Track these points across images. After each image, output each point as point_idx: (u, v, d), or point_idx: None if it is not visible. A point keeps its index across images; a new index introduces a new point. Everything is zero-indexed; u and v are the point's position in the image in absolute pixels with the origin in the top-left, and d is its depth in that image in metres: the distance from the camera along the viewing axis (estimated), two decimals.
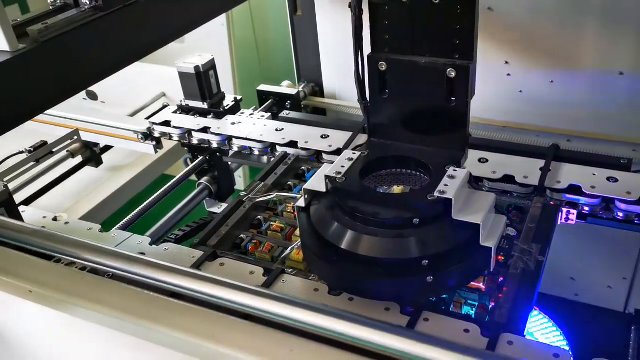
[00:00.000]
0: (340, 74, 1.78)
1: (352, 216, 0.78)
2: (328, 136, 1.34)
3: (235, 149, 1.44)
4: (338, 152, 1.28)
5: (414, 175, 0.87)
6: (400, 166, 0.87)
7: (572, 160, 1.07)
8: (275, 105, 1.76)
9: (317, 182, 0.87)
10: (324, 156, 1.30)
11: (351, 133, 1.31)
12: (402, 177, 0.87)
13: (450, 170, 0.81)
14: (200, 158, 1.59)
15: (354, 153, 0.89)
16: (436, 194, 0.77)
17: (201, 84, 1.50)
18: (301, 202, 0.89)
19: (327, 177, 0.84)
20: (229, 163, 1.67)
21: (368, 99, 0.90)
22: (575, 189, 1.01)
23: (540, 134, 1.46)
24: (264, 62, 2.58)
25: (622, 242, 1.45)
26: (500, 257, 0.82)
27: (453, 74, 0.82)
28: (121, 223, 1.28)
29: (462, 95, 0.83)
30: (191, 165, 1.57)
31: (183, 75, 1.50)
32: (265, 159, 1.52)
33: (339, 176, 0.83)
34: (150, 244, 1.04)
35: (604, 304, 1.59)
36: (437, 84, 0.84)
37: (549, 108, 1.44)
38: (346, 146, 1.27)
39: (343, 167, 0.85)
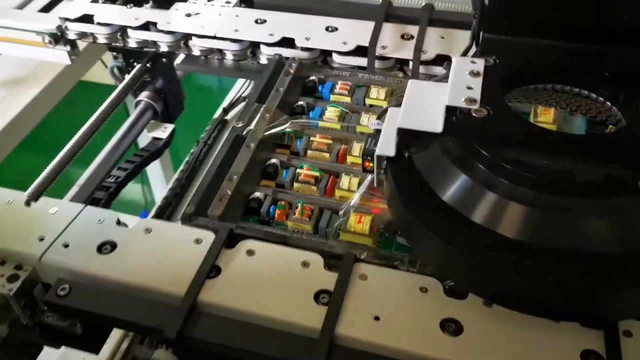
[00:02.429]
0: None
1: (522, 180, 0.44)
2: (336, 28, 0.93)
3: (196, 52, 0.99)
4: (359, 51, 0.89)
5: (578, 97, 0.52)
6: (560, 81, 0.52)
7: None
8: None
9: (416, 115, 0.50)
10: (336, 58, 0.91)
11: (371, 23, 0.92)
12: (562, 102, 0.52)
13: None
14: (138, 67, 1.12)
15: (473, 62, 0.52)
16: None
17: None
18: (385, 148, 0.52)
19: (453, 109, 0.47)
20: (177, 72, 1.21)
21: None
22: None
23: None
24: None
25: None
26: None
27: None
28: (36, 183, 0.81)
29: None
30: (130, 77, 1.08)
31: None
32: (233, 66, 1.09)
33: (476, 107, 0.47)
34: (119, 223, 0.63)
35: None
36: None
37: None
38: (373, 43, 0.88)
39: (471, 88, 0.49)
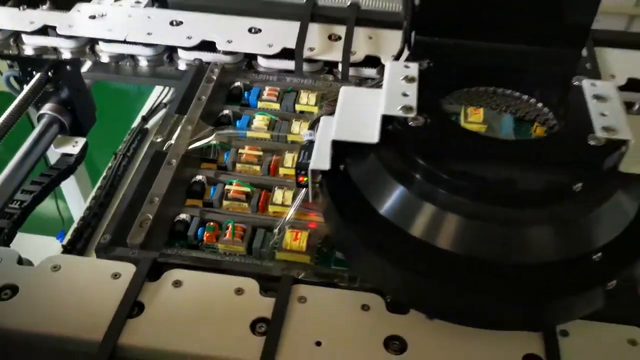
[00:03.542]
0: None
1: (461, 191, 0.44)
2: (260, 30, 0.91)
3: (104, 59, 0.94)
4: (285, 54, 0.87)
5: (512, 97, 0.53)
6: (494, 82, 0.52)
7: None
8: None
9: (351, 126, 0.49)
10: (261, 61, 0.89)
11: (296, 23, 0.90)
12: (492, 103, 0.53)
13: (588, 86, 0.50)
14: (38, 76, 1.03)
15: (406, 67, 0.51)
16: (601, 133, 0.46)
17: None
18: (320, 162, 0.51)
19: (389, 118, 0.47)
20: (86, 80, 1.14)
21: None
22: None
23: None
24: None
25: None
26: None
27: None
28: None
29: None
30: (28, 88, 1.00)
31: None
32: (146, 71, 1.04)
33: (412, 115, 0.47)
34: (20, 262, 0.58)
35: None
36: None
37: None
38: (299, 45, 0.87)
39: (407, 95, 0.48)
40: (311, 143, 0.56)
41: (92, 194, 1.24)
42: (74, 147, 1.08)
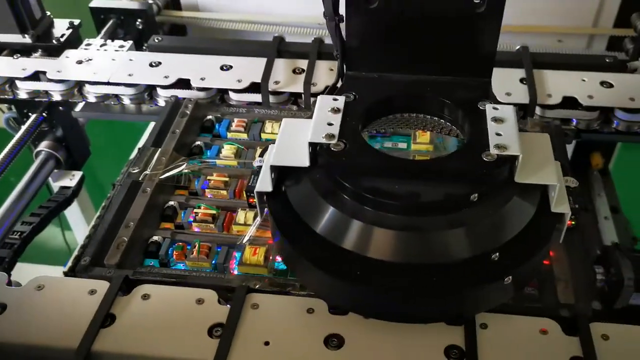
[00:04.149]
0: None
1: (375, 204, 0.52)
2: (230, 67, 1.00)
3: (91, 99, 1.04)
4: (253, 88, 0.96)
5: (426, 120, 0.62)
6: (409, 109, 0.61)
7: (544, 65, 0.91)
8: (119, 27, 1.33)
9: (287, 152, 0.58)
10: (232, 95, 0.98)
11: (263, 59, 1.00)
12: (428, 126, 0.61)
13: (490, 109, 0.58)
14: (33, 117, 1.14)
15: (335, 99, 0.60)
16: (494, 150, 0.53)
17: (15, 6, 1.03)
18: (264, 185, 0.59)
19: (314, 145, 0.55)
20: (79, 118, 1.24)
21: (342, 14, 0.61)
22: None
23: None
24: None
25: None
26: (570, 222, 0.63)
27: None
28: None
29: None
30: (24, 128, 1.11)
31: None
32: (132, 109, 1.14)
33: (334, 141, 0.55)
34: (9, 283, 0.66)
35: None
36: None
37: None
38: (265, 79, 0.96)
39: (332, 124, 0.57)
40: (260, 168, 0.65)
41: (92, 222, 1.33)
42: (72, 180, 1.18)
